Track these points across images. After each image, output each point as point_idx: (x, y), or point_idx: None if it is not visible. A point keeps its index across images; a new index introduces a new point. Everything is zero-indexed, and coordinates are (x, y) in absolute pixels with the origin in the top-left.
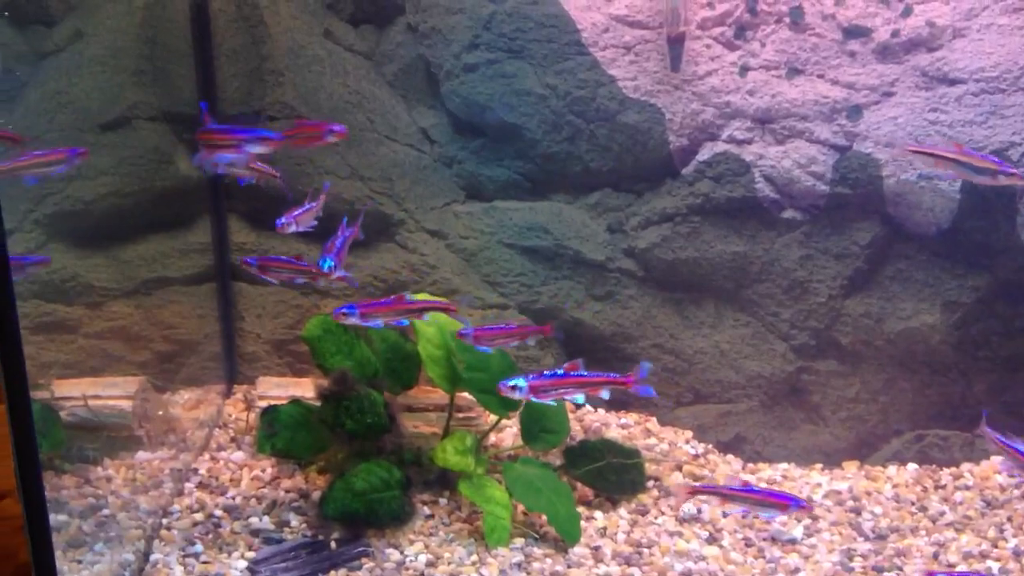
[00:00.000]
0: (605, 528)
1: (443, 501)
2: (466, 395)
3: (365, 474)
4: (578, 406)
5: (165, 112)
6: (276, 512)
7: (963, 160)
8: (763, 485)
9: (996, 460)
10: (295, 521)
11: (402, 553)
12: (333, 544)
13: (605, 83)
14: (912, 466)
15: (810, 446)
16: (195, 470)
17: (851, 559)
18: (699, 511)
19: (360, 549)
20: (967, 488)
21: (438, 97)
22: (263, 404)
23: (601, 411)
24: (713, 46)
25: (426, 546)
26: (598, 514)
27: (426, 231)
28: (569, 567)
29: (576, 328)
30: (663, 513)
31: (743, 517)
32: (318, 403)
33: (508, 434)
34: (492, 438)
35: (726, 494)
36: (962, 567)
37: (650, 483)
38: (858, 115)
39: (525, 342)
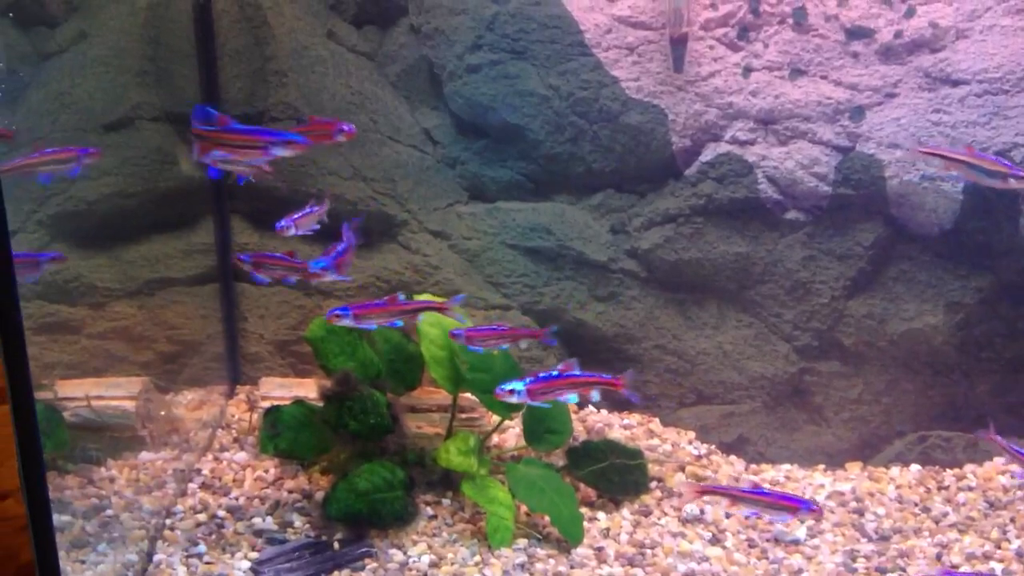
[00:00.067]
0: (608, 529)
1: (446, 502)
2: (469, 396)
3: (368, 475)
4: (580, 407)
5: (168, 113)
6: (279, 512)
7: (974, 163)
8: (766, 487)
9: (999, 461)
10: (298, 521)
11: (405, 554)
12: (336, 545)
13: (608, 84)
14: (915, 467)
15: (813, 447)
16: (198, 471)
17: (854, 560)
18: (702, 512)
19: (363, 550)
20: (970, 489)
21: (441, 98)
22: (266, 405)
23: (604, 412)
24: (716, 47)
25: (429, 547)
26: (601, 515)
27: (429, 232)
28: (572, 568)
29: (579, 329)
30: (666, 514)
31: (746, 519)
32: (321, 404)
33: (511, 435)
34: (495, 439)
35: (736, 496)
36: (965, 568)
37: (653, 484)
38: (861, 116)
39: (518, 344)
